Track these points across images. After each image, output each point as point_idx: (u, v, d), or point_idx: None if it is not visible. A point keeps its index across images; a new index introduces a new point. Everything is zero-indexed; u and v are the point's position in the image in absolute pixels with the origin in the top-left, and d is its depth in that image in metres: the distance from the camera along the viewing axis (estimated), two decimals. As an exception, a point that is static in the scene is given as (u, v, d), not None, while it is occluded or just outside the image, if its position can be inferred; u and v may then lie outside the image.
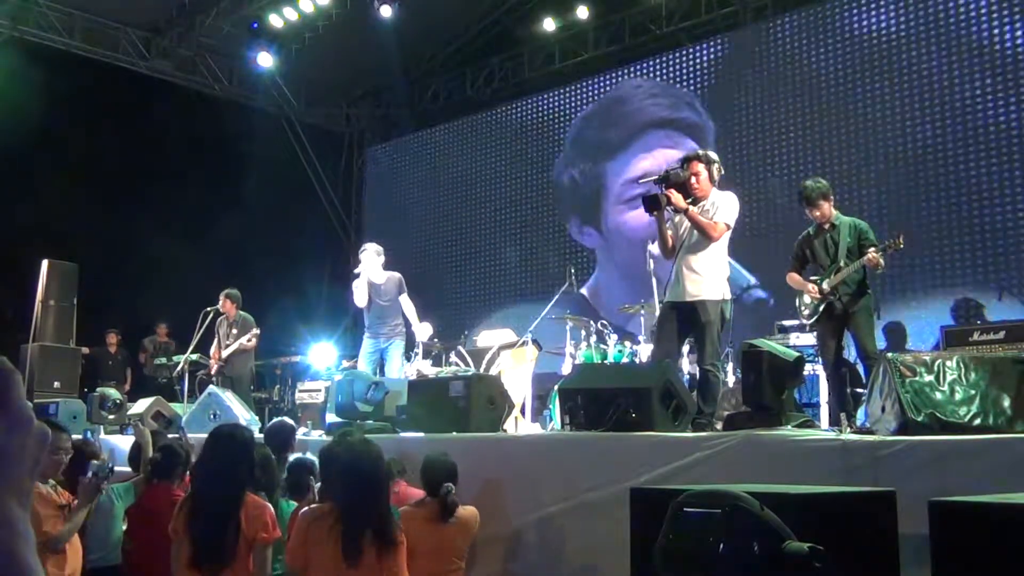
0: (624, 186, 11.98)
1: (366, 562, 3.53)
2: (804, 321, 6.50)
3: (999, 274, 8.85)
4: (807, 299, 6.29)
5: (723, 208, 5.69)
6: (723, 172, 5.87)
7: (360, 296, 8.59)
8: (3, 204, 11.11)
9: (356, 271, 8.69)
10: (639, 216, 11.18)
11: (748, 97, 10.94)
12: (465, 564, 4.55)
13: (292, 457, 5.03)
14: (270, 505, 4.03)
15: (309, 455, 4.97)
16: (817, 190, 6.26)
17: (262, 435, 5.72)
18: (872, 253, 5.95)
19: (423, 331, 8.78)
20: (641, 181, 6.07)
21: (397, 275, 8.75)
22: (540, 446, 5.54)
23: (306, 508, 3.99)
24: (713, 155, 5.89)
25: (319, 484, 4.42)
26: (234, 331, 9.58)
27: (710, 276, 5.63)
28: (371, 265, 8.59)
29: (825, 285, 6.13)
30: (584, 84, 12.98)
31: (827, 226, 6.28)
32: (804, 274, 6.39)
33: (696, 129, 11.42)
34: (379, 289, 8.63)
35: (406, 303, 8.65)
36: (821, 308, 6.18)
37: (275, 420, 6.46)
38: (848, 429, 4.45)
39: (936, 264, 9.23)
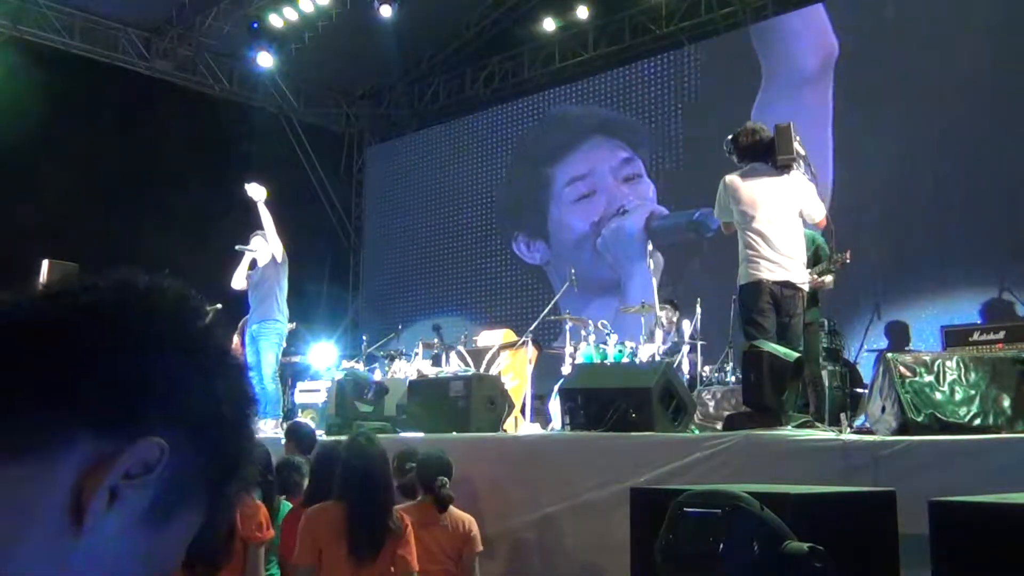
0: (569, 187, 12.55)
1: (377, 556, 3.57)
2: None
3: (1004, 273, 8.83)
4: None
5: None
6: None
7: (239, 278, 8.29)
8: (3, 204, 11.10)
9: (239, 247, 8.40)
10: (585, 218, 12.21)
11: (747, 96, 10.92)
12: (460, 570, 4.50)
13: (280, 457, 5.04)
14: (264, 505, 4.04)
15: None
16: None
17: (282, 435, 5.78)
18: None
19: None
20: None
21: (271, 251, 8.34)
22: (540, 446, 5.55)
23: (312, 507, 3.99)
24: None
25: (306, 482, 4.44)
26: None
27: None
28: (260, 248, 8.30)
29: None
30: (584, 84, 12.98)
31: None
32: None
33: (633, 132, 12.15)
34: (258, 273, 8.30)
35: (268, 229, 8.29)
36: None
37: (294, 421, 6.48)
38: (848, 429, 4.45)
39: (936, 264, 9.22)
